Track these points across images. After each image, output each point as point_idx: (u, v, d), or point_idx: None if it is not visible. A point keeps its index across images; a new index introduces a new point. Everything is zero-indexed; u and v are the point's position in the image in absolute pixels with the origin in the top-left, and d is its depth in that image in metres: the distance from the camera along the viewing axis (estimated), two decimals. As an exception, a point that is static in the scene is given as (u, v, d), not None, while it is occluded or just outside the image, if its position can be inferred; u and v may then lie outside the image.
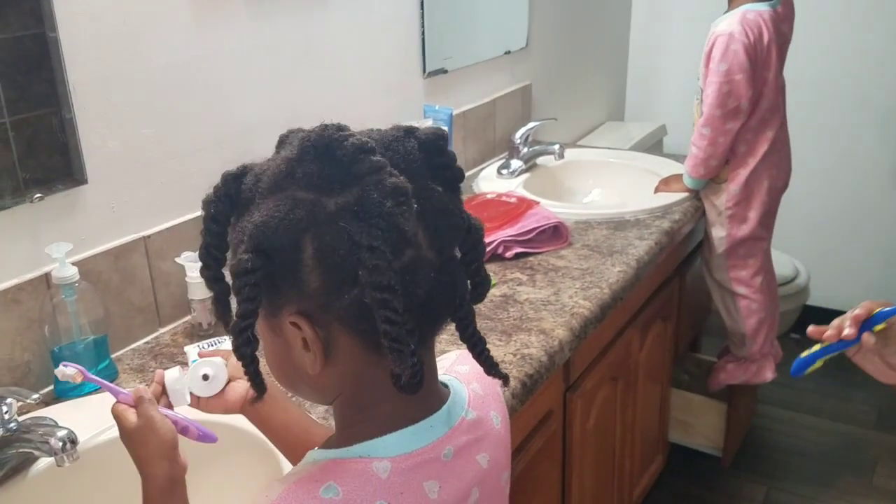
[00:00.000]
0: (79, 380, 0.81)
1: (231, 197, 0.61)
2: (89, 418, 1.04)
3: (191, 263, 1.26)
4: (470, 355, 0.67)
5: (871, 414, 2.51)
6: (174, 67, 1.28)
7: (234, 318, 0.58)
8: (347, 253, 0.56)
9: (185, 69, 1.30)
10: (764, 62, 1.79)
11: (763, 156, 1.87)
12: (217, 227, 0.61)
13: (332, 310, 0.58)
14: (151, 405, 0.76)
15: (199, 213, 1.36)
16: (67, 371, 0.80)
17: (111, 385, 0.79)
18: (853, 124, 2.72)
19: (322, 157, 0.58)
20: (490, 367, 0.66)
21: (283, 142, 0.64)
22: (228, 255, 0.62)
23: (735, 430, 2.20)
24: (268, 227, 0.57)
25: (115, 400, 0.77)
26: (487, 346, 0.66)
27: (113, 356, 1.20)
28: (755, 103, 1.82)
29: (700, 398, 2.15)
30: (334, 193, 0.57)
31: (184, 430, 0.78)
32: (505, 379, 0.67)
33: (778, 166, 1.92)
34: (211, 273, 0.63)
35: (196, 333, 1.29)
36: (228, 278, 0.61)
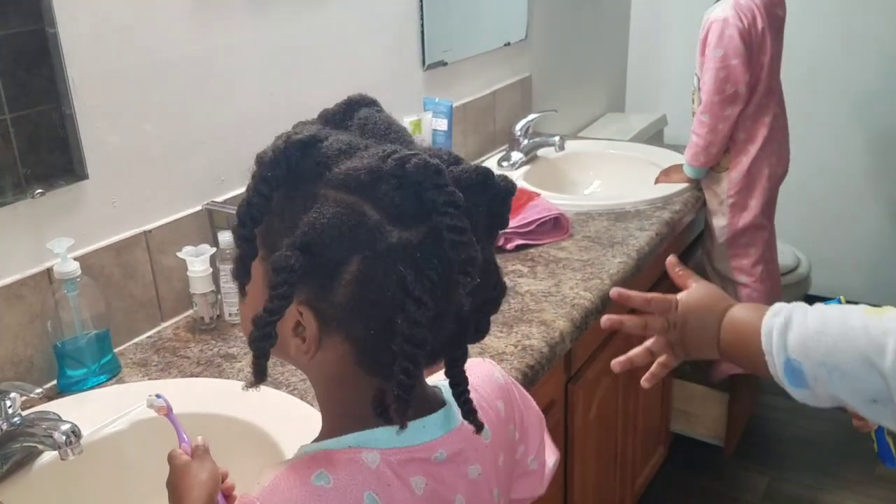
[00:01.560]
0: (163, 413, 0.82)
1: (291, 164, 0.58)
2: (93, 412, 1.05)
3: (192, 258, 1.26)
4: (476, 364, 0.67)
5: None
6: (174, 62, 1.28)
7: (262, 311, 0.57)
8: (392, 294, 0.55)
9: (184, 64, 1.30)
10: (759, 46, 1.79)
11: (763, 142, 1.87)
12: (267, 190, 0.58)
13: (345, 326, 0.57)
14: (206, 453, 0.77)
15: (198, 207, 1.38)
16: (156, 402, 0.81)
17: (180, 429, 0.80)
18: (853, 112, 2.71)
19: (409, 188, 0.56)
20: (467, 412, 0.63)
21: (366, 126, 0.61)
22: (269, 225, 0.59)
23: (737, 420, 2.21)
24: (325, 232, 0.54)
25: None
26: (468, 388, 0.64)
27: (115, 350, 1.21)
28: (752, 88, 1.82)
29: (702, 388, 2.16)
30: (402, 226, 0.55)
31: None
32: (478, 427, 0.64)
33: (777, 153, 1.92)
34: (245, 232, 0.59)
35: (198, 328, 1.30)
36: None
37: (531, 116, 2.13)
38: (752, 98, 1.83)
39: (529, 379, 1.18)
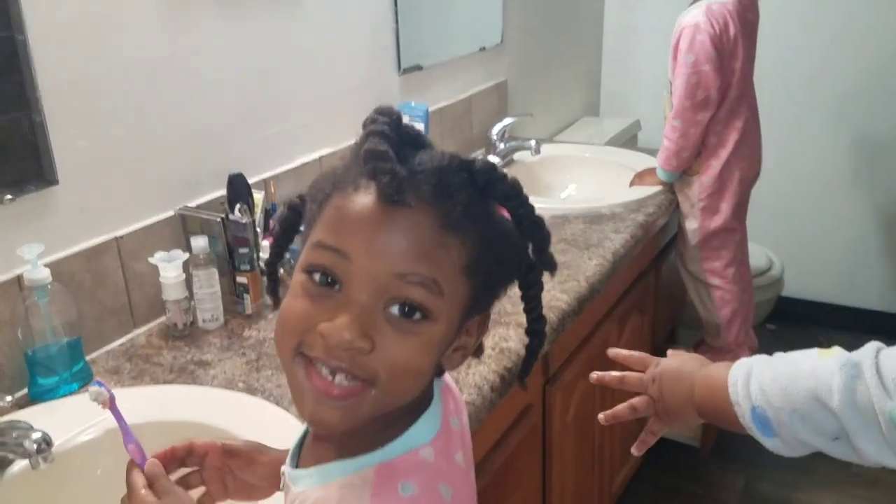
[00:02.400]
0: (105, 406, 0.71)
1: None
2: (64, 421, 1.03)
3: (164, 263, 1.25)
4: None
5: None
6: (145, 67, 1.27)
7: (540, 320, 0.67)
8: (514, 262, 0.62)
9: (155, 69, 1.29)
10: (731, 52, 1.81)
11: (734, 147, 1.89)
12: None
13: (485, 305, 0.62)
14: (167, 481, 0.68)
15: (171, 212, 1.36)
16: (99, 395, 0.71)
17: (126, 427, 0.71)
18: (824, 115, 2.76)
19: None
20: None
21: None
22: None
23: (713, 420, 2.22)
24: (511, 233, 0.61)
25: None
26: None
27: (87, 358, 1.19)
28: (723, 94, 1.84)
29: (678, 389, 2.17)
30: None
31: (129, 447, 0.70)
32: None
33: (749, 157, 1.94)
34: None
35: (171, 334, 1.29)
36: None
37: (507, 120, 2.14)
38: (724, 103, 1.85)
39: (507, 382, 1.19)
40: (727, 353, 2.10)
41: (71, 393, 1.13)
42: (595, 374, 0.93)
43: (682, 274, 2.09)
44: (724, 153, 1.89)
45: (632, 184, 1.97)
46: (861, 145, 2.74)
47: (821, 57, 2.70)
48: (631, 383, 0.90)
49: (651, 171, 1.97)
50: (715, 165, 1.90)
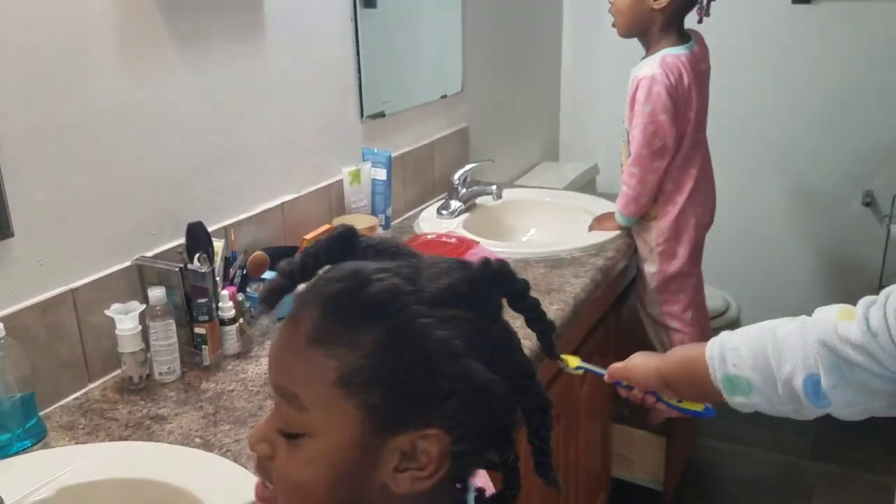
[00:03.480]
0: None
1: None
2: (17, 479, 1.00)
3: (120, 315, 1.23)
4: None
5: (805, 443, 2.58)
6: (105, 115, 1.26)
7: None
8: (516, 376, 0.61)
9: (116, 116, 1.28)
10: (685, 101, 1.87)
11: (689, 193, 1.94)
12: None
13: (456, 435, 0.57)
14: None
15: (128, 263, 1.35)
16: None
17: None
18: (774, 161, 2.84)
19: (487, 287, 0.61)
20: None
21: (379, 249, 0.63)
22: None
23: (675, 463, 2.24)
24: (463, 348, 0.56)
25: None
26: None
27: (41, 413, 1.16)
28: (679, 142, 1.89)
29: (641, 433, 2.19)
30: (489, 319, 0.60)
31: None
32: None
33: (703, 204, 1.99)
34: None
35: (127, 388, 1.26)
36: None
37: (469, 166, 2.17)
38: (679, 151, 1.90)
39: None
40: (687, 396, 2.12)
41: (24, 450, 1.10)
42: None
43: (643, 317, 2.12)
44: (681, 199, 1.93)
45: (591, 228, 2.00)
46: (813, 189, 2.83)
47: (773, 104, 2.79)
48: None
49: (610, 215, 2.00)
50: (672, 211, 1.94)
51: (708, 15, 1.88)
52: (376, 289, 0.54)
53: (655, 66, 1.83)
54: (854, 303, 0.82)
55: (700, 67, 1.91)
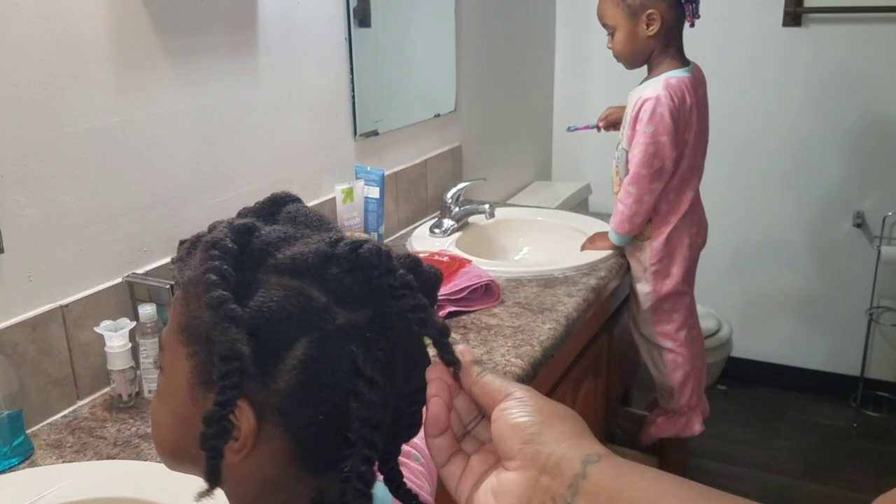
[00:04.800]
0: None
1: (238, 249, 0.56)
2: (3, 498, 0.99)
3: (110, 333, 1.22)
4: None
5: (797, 464, 2.57)
6: (97, 133, 1.26)
7: (214, 405, 0.53)
8: (343, 375, 0.53)
9: (108, 134, 1.28)
10: (686, 125, 1.88)
11: (684, 214, 1.94)
12: (224, 273, 0.55)
13: (287, 417, 0.54)
14: None
15: (119, 280, 1.34)
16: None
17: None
18: (768, 182, 2.86)
19: (359, 272, 0.55)
20: (407, 501, 0.60)
21: (297, 218, 0.60)
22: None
23: (668, 483, 2.22)
24: (273, 316, 0.53)
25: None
26: (405, 479, 0.62)
27: (28, 431, 1.15)
28: (677, 164, 1.90)
29: (633, 452, 2.18)
30: (350, 309, 0.54)
31: None
32: None
33: (697, 224, 2.00)
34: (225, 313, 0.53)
35: (115, 406, 1.25)
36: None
37: (462, 184, 2.17)
38: (677, 172, 1.91)
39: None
40: (680, 417, 2.12)
41: (10, 468, 1.08)
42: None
43: (635, 336, 2.12)
44: (675, 219, 1.94)
45: (583, 248, 2.01)
46: (805, 211, 2.84)
47: (769, 126, 2.82)
48: None
49: (603, 234, 2.01)
50: (666, 231, 1.95)
51: (698, 17, 1.89)
52: (215, 248, 0.55)
53: (660, 88, 1.84)
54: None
55: (699, 92, 1.92)
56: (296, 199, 0.63)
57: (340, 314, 0.54)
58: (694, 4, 1.87)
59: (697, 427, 2.12)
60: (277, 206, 0.62)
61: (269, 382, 0.53)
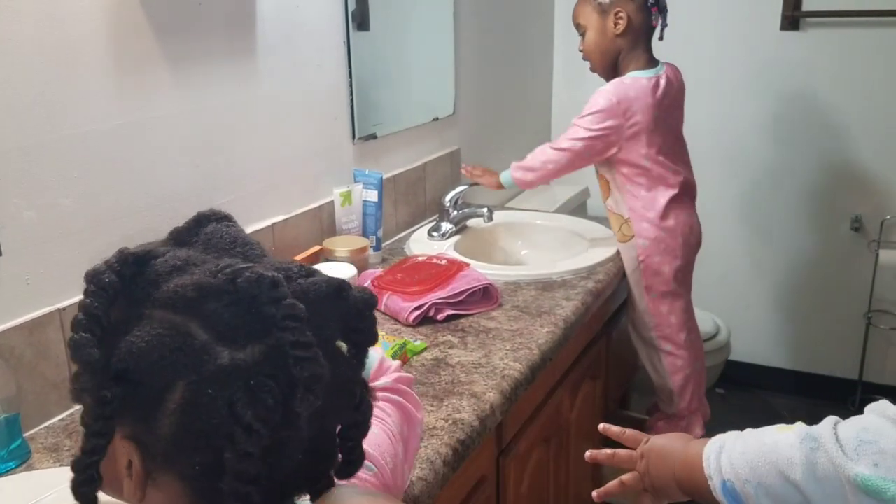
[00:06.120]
0: None
1: (124, 282, 0.54)
2: (1, 502, 0.99)
3: (111, 335, 1.22)
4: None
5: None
6: (95, 136, 1.26)
7: (80, 451, 0.51)
8: (219, 423, 0.49)
9: (106, 137, 1.28)
10: (629, 120, 1.88)
11: (665, 214, 1.94)
12: (101, 307, 0.53)
13: (173, 462, 0.51)
14: None
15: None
16: None
17: None
18: (763, 185, 2.87)
19: (242, 304, 0.51)
20: None
21: (211, 241, 0.57)
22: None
23: (666, 486, 2.22)
24: (142, 357, 0.50)
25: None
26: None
27: (25, 435, 1.14)
28: (602, 153, 1.92)
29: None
30: (235, 346, 0.50)
31: None
32: None
33: (687, 224, 1.99)
34: (83, 356, 0.52)
35: (116, 408, 1.24)
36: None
37: (460, 188, 2.17)
38: (648, 171, 1.92)
39: (460, 455, 1.17)
40: (681, 420, 2.11)
41: (8, 472, 1.08)
42: (589, 453, 0.98)
43: (634, 339, 2.12)
44: (654, 217, 1.95)
45: (471, 175, 2.14)
46: (799, 214, 2.84)
47: (761, 126, 2.82)
48: (621, 460, 0.95)
49: (496, 172, 2.09)
50: (647, 228, 1.96)
51: (665, 26, 1.94)
52: (92, 282, 0.54)
53: (612, 82, 1.91)
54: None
55: (668, 92, 1.92)
56: (221, 218, 0.59)
57: (223, 353, 0.49)
58: (662, 16, 1.92)
59: (698, 431, 2.12)
60: (199, 226, 0.59)
61: (154, 426, 0.50)
